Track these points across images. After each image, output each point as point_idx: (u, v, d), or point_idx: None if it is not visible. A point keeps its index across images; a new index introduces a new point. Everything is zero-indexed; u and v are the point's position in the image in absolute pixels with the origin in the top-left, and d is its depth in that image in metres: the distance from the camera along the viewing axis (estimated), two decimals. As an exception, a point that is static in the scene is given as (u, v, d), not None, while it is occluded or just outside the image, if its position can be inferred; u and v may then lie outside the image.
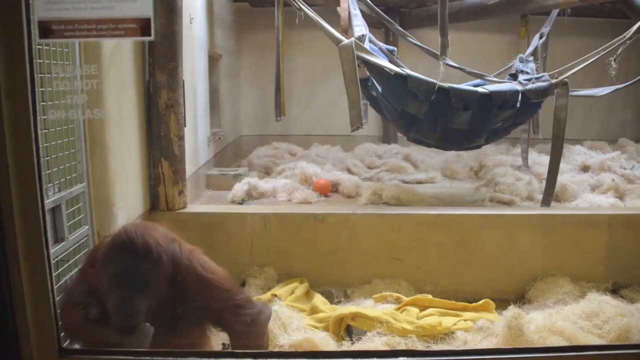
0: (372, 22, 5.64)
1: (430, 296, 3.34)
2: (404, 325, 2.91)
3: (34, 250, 1.47)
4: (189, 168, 4.11)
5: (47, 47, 2.30)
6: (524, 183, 4.92)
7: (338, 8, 4.66)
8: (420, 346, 2.82)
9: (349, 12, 4.48)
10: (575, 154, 6.10)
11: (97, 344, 1.91)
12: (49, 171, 2.43)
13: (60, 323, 1.89)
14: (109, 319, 1.88)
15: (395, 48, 4.96)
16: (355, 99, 3.87)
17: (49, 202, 2.41)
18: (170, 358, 1.59)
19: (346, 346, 2.86)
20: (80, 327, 1.95)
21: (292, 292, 3.45)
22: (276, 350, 2.60)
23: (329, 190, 5.01)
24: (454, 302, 3.31)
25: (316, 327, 3.01)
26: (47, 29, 1.59)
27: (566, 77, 4.12)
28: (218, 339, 2.39)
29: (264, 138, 7.51)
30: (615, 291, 3.60)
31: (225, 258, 3.74)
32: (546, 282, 3.59)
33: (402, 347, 2.75)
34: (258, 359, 1.73)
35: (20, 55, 1.40)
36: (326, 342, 2.78)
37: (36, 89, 1.46)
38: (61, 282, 2.54)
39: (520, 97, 4.10)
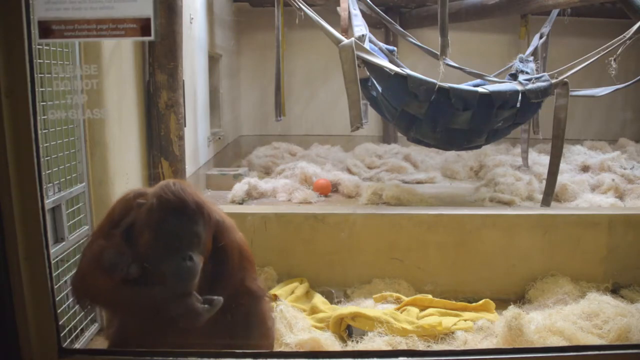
0: (372, 22, 5.65)
1: (430, 296, 3.34)
2: (404, 325, 2.91)
3: (34, 250, 1.47)
4: (189, 168, 4.11)
5: (47, 47, 2.30)
6: (524, 183, 4.93)
7: (338, 8, 4.66)
8: (421, 346, 2.82)
9: (349, 12, 4.48)
10: (575, 154, 6.10)
11: (137, 309, 1.85)
12: (49, 171, 2.44)
13: (80, 293, 1.86)
14: (152, 282, 1.80)
15: (395, 48, 4.96)
16: (355, 99, 3.87)
17: (49, 202, 2.41)
18: (170, 358, 1.59)
19: (350, 346, 2.86)
20: (116, 293, 1.84)
21: (292, 292, 3.45)
22: (282, 348, 2.61)
23: (329, 190, 5.01)
24: (454, 302, 3.30)
25: (316, 327, 3.02)
26: (47, 29, 1.59)
27: (566, 77, 4.13)
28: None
29: (264, 138, 7.52)
30: (615, 291, 3.59)
31: (225, 258, 3.75)
32: (546, 282, 3.59)
33: (403, 346, 2.75)
34: (258, 358, 1.73)
35: (20, 55, 1.40)
36: (331, 342, 2.78)
37: (36, 89, 1.46)
38: (61, 282, 2.55)
39: (520, 97, 4.10)
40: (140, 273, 1.80)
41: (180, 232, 1.80)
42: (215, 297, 1.84)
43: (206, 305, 1.81)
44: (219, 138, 6.03)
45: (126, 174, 3.21)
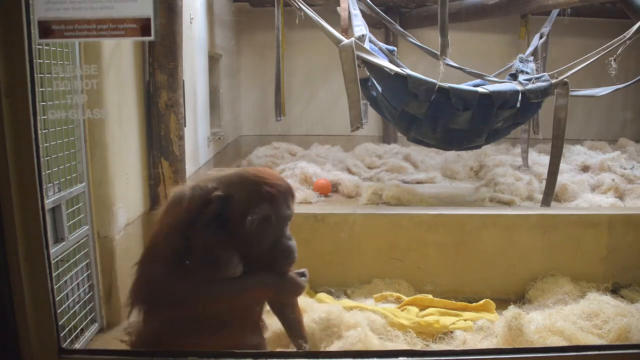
0: (372, 22, 5.65)
1: (430, 296, 3.34)
2: (401, 321, 2.92)
3: (34, 250, 1.47)
4: (189, 168, 4.11)
5: (47, 47, 2.30)
6: (524, 183, 4.92)
7: (338, 8, 4.66)
8: (419, 343, 2.83)
9: (349, 12, 4.48)
10: (575, 154, 6.09)
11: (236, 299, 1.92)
12: (49, 171, 2.44)
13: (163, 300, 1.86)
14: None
15: (395, 48, 4.96)
16: (355, 99, 3.87)
17: (49, 202, 2.41)
18: (170, 358, 1.60)
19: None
20: (215, 289, 1.89)
21: (292, 292, 3.45)
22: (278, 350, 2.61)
23: (329, 190, 5.01)
24: (454, 302, 3.31)
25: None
26: (47, 29, 1.59)
27: (566, 77, 4.12)
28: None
29: (264, 138, 7.51)
30: (615, 291, 3.60)
31: (225, 258, 3.74)
32: (546, 282, 3.59)
33: (401, 338, 2.78)
34: (258, 359, 1.73)
35: (20, 55, 1.40)
36: (317, 303, 2.89)
37: (36, 89, 1.46)
38: (61, 282, 2.55)
39: (520, 97, 4.10)
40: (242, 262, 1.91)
41: (288, 214, 1.99)
42: (303, 270, 2.10)
43: (303, 278, 2.06)
44: (219, 138, 6.03)
45: (126, 174, 3.21)
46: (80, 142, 2.74)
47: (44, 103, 2.19)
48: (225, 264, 1.84)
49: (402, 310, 3.17)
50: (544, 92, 4.16)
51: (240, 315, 2.02)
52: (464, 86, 4.28)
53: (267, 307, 2.30)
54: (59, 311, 1.80)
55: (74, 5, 1.60)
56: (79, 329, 2.72)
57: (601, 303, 3.09)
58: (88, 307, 2.85)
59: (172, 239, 1.86)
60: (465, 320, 3.09)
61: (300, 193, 4.69)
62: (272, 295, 2.05)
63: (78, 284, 2.74)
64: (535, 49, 5.56)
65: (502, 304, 3.23)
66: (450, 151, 5.84)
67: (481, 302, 3.29)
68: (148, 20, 1.62)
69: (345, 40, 3.97)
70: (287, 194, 1.98)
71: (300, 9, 4.35)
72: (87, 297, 2.84)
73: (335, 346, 2.45)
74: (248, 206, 1.88)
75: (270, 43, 5.67)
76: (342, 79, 3.91)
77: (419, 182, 5.52)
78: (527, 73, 4.50)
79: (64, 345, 1.56)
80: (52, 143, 2.45)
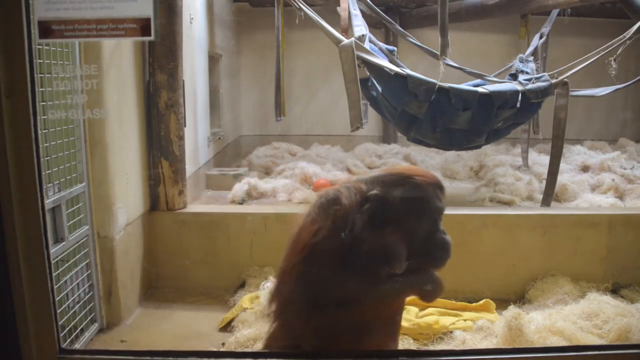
0: (372, 22, 5.64)
1: (430, 296, 3.34)
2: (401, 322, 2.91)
3: (34, 250, 1.47)
4: (189, 168, 4.11)
5: (47, 47, 2.31)
6: (524, 183, 4.92)
7: (338, 8, 4.66)
8: (414, 346, 2.82)
9: (349, 12, 4.48)
10: (575, 154, 6.10)
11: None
12: (49, 171, 2.44)
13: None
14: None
15: (395, 48, 4.96)
16: (355, 99, 3.87)
17: (49, 202, 2.41)
18: (171, 358, 1.59)
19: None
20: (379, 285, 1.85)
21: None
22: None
23: (329, 190, 5.00)
24: (454, 302, 3.30)
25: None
26: (47, 29, 1.59)
27: (566, 77, 4.12)
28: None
29: (264, 138, 7.52)
30: (615, 291, 3.60)
31: (225, 258, 3.74)
32: (546, 282, 3.59)
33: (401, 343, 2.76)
34: (258, 359, 1.73)
35: (20, 55, 1.40)
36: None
37: (36, 89, 1.46)
38: (61, 282, 2.55)
39: (520, 97, 4.10)
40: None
41: (441, 207, 1.93)
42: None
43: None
44: (219, 138, 6.03)
45: (126, 174, 3.21)
46: (80, 142, 2.74)
47: (44, 103, 2.19)
48: (396, 259, 1.80)
49: (402, 310, 3.17)
50: (544, 92, 4.16)
51: (386, 316, 1.97)
52: (464, 86, 4.28)
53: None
54: (59, 311, 1.81)
55: (74, 5, 1.60)
56: (79, 329, 2.72)
57: (601, 303, 3.09)
58: (88, 307, 2.85)
59: (334, 240, 1.81)
60: (465, 320, 3.09)
61: (300, 193, 4.70)
62: (419, 295, 1.98)
63: (78, 284, 2.74)
64: (535, 49, 5.56)
65: (502, 304, 3.23)
66: (450, 151, 5.84)
67: (481, 302, 3.29)
68: (148, 20, 1.62)
69: (345, 40, 3.97)
70: (437, 186, 1.94)
71: (300, 9, 4.35)
72: (87, 297, 2.84)
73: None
74: (404, 202, 1.86)
75: (270, 43, 5.67)
76: (342, 79, 3.91)
77: (419, 182, 5.51)
78: (527, 73, 4.50)
79: (64, 345, 1.56)
80: (52, 143, 2.46)
